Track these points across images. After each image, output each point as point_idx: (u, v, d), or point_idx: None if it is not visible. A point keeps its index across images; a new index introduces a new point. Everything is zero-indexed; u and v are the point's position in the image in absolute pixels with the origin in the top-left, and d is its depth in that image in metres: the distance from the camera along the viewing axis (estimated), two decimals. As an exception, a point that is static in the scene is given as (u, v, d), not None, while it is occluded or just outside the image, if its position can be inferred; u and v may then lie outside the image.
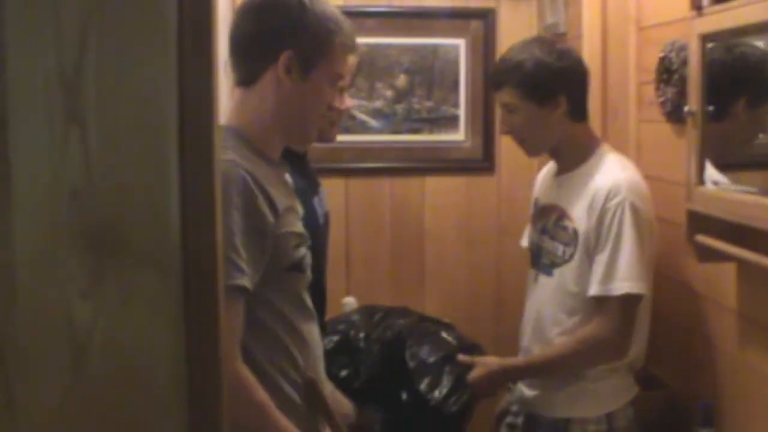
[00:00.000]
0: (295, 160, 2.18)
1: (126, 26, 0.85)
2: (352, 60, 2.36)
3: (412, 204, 3.43)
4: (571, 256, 2.21)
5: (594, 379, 2.21)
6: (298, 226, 1.71)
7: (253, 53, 1.68)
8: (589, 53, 2.87)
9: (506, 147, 3.41)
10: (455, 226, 3.47)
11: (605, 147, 2.31)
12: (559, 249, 2.25)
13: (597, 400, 2.21)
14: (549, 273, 2.28)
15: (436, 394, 2.18)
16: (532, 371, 2.31)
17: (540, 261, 2.33)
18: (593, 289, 2.14)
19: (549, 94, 2.21)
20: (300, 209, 1.77)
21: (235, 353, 1.51)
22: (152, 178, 0.86)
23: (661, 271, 2.36)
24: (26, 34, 0.84)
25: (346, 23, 1.74)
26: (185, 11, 0.86)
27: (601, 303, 2.14)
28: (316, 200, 2.25)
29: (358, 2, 3.26)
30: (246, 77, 1.70)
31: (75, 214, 0.86)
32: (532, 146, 2.34)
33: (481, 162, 3.44)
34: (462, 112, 3.41)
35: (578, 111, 2.28)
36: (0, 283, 0.85)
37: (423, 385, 2.18)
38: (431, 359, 2.22)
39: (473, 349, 2.35)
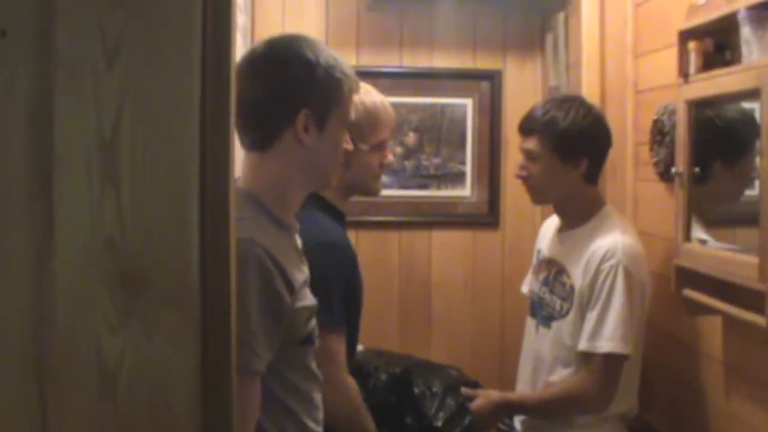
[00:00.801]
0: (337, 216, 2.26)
1: (156, 100, 0.99)
2: (391, 117, 2.34)
3: (420, 256, 3.56)
4: (568, 312, 2.31)
5: (586, 426, 2.31)
6: (310, 298, 1.69)
7: (267, 118, 1.63)
8: (589, 114, 3.01)
9: (510, 203, 3.55)
10: (461, 277, 3.58)
11: (608, 208, 2.41)
12: (557, 303, 2.36)
13: (589, 447, 2.31)
14: (548, 325, 2.38)
15: (440, 415, 2.29)
16: (525, 409, 2.42)
17: (540, 312, 2.44)
18: (581, 345, 2.24)
19: (575, 153, 2.32)
20: (307, 272, 1.74)
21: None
22: (176, 230, 1.00)
23: (653, 323, 2.47)
24: (71, 103, 0.99)
25: (347, 65, 1.70)
26: (208, 87, 1.01)
27: (587, 358, 2.25)
28: None
29: (370, 63, 3.42)
30: (261, 142, 1.65)
31: (108, 259, 0.99)
32: (540, 195, 2.43)
33: (487, 216, 3.57)
34: (468, 168, 3.55)
35: (594, 174, 2.38)
36: (42, 316, 0.99)
37: (427, 409, 2.29)
38: (435, 388, 2.34)
39: (475, 385, 2.46)
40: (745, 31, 1.82)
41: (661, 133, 2.57)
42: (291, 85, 1.62)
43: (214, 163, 1.02)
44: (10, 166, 0.99)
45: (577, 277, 2.30)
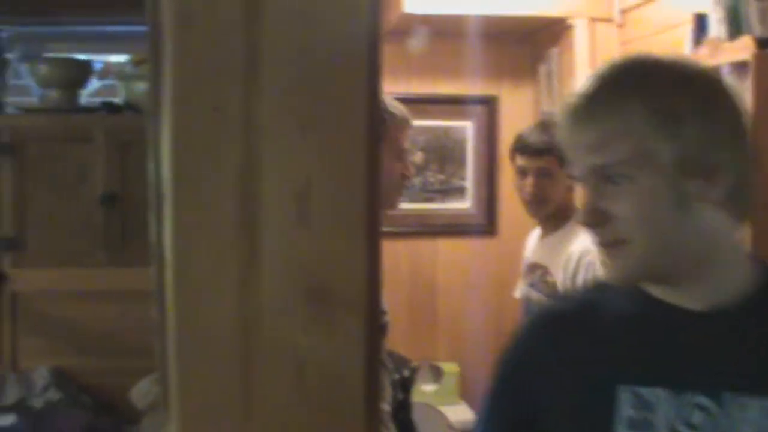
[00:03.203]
0: None
1: (338, 163, 1.34)
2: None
3: (426, 263, 3.93)
4: None
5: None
6: None
7: None
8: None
9: (506, 213, 3.93)
10: (463, 281, 3.95)
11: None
12: (543, 300, 2.63)
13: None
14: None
15: None
16: None
17: (531, 311, 2.68)
18: None
19: None
20: None
21: None
22: (351, 255, 1.35)
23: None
24: (273, 166, 1.32)
25: (394, 104, 1.97)
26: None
27: None
28: None
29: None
30: None
31: (302, 277, 1.34)
32: (543, 206, 2.67)
33: (486, 227, 3.96)
34: (469, 184, 3.94)
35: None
36: (253, 324, 1.33)
37: None
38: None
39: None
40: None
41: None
42: None
43: (376, 207, 1.38)
44: (223, 214, 1.32)
45: (559, 275, 2.59)
